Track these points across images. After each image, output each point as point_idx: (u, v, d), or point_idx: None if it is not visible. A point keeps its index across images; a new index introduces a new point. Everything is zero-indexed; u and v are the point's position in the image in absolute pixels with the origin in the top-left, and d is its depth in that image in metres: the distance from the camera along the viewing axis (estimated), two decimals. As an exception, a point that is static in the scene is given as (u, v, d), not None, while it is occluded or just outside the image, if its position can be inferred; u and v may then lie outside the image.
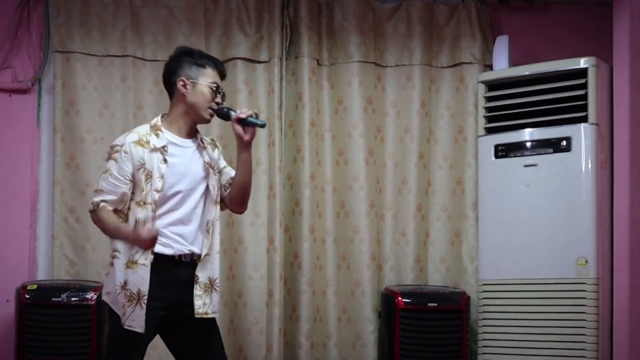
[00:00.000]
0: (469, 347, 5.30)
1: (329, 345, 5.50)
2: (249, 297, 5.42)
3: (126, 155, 3.47)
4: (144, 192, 3.46)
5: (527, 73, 5.34)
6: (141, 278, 3.45)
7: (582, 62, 5.13)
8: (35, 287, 4.93)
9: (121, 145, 3.49)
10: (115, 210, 3.49)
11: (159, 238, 3.42)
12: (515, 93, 5.37)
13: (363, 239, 5.51)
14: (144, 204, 3.46)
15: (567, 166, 5.12)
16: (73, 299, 4.85)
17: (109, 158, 3.51)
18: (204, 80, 3.54)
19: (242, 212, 3.79)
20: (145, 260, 3.45)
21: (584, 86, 5.11)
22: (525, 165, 5.25)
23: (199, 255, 3.55)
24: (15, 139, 5.47)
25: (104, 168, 3.52)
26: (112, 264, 3.51)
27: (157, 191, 3.46)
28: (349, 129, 5.58)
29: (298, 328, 5.45)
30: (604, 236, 5.05)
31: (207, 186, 3.58)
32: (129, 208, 3.50)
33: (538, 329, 5.07)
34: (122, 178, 3.47)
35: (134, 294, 3.44)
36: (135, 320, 3.44)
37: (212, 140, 3.72)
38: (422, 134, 5.66)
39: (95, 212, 3.51)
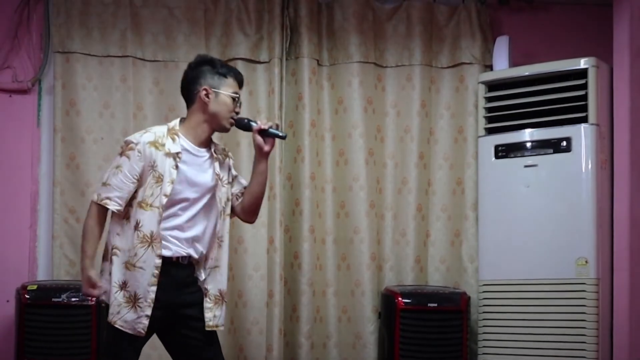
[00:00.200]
0: (469, 347, 5.30)
1: (329, 346, 5.50)
2: (249, 297, 5.42)
3: (139, 154, 3.47)
4: (151, 195, 3.47)
5: (527, 73, 5.34)
6: (138, 281, 3.46)
7: (582, 63, 5.13)
8: (35, 287, 4.94)
9: (136, 144, 3.49)
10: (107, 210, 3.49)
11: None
12: (516, 93, 5.37)
13: (363, 239, 5.51)
14: (149, 206, 3.47)
15: (567, 166, 5.13)
16: (73, 299, 4.85)
17: (122, 154, 3.50)
18: (226, 89, 3.57)
19: (252, 222, 3.81)
20: (143, 263, 3.46)
21: (584, 86, 5.11)
22: (526, 166, 5.25)
23: (196, 259, 3.57)
24: (15, 139, 5.47)
25: (114, 162, 3.51)
26: (110, 261, 3.50)
27: (166, 196, 3.47)
28: (349, 129, 5.58)
29: (298, 328, 5.45)
30: (604, 236, 5.05)
31: (215, 197, 3.59)
32: (130, 206, 3.50)
33: (538, 329, 5.07)
34: (131, 177, 3.47)
35: (132, 296, 3.45)
36: (128, 321, 3.45)
37: (224, 149, 3.73)
38: (422, 134, 5.66)
39: (96, 205, 3.50)
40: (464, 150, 5.62)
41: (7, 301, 5.23)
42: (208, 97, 3.54)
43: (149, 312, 3.45)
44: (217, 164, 3.61)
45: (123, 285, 3.47)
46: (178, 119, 3.62)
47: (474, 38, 5.66)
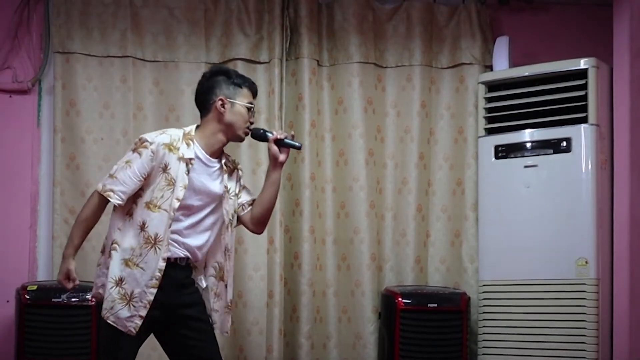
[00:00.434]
0: (469, 347, 5.30)
1: (329, 346, 5.50)
2: (249, 298, 5.42)
3: (152, 154, 3.48)
4: (161, 197, 3.47)
5: (527, 74, 5.34)
6: (136, 281, 3.46)
7: (582, 63, 5.13)
8: (35, 287, 4.94)
9: (151, 143, 3.49)
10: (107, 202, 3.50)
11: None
12: (516, 94, 5.37)
13: (363, 240, 5.51)
14: (157, 207, 3.47)
15: (567, 167, 5.12)
16: (73, 299, 4.85)
17: (135, 150, 3.51)
18: (242, 100, 3.59)
19: (261, 233, 3.83)
20: (145, 264, 3.46)
21: (584, 87, 5.11)
22: (526, 166, 5.25)
23: (194, 263, 3.60)
24: (15, 140, 5.47)
25: (126, 156, 3.52)
26: (109, 255, 3.50)
27: (178, 200, 3.48)
28: (349, 129, 5.58)
29: (298, 328, 5.45)
30: (604, 237, 5.05)
31: (221, 209, 3.60)
32: (134, 203, 3.50)
33: (538, 329, 5.07)
34: (139, 174, 3.48)
35: (127, 294, 3.45)
36: (120, 318, 3.45)
37: (235, 161, 3.73)
38: (422, 135, 5.66)
39: (97, 195, 3.50)
40: (464, 150, 5.62)
41: (7, 301, 5.23)
42: (224, 107, 3.56)
43: (143, 313, 3.45)
44: (225, 175, 3.62)
45: (119, 282, 3.47)
46: (194, 125, 3.63)
47: (474, 38, 5.66)
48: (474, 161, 5.57)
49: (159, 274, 3.46)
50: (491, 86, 5.49)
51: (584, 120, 5.09)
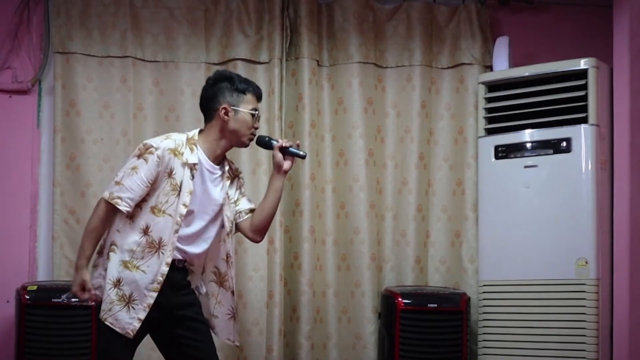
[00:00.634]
0: (469, 348, 5.30)
1: (329, 346, 5.50)
2: (249, 298, 5.42)
3: (158, 160, 3.47)
4: (166, 202, 3.47)
5: (527, 74, 5.34)
6: (136, 283, 3.46)
7: (582, 63, 5.13)
8: (35, 288, 4.94)
9: (156, 148, 3.49)
10: (116, 209, 3.48)
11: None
12: (516, 94, 5.36)
13: (363, 240, 5.51)
14: (162, 212, 3.48)
15: (567, 167, 5.12)
16: (73, 300, 4.84)
17: (140, 156, 3.49)
18: (245, 107, 3.58)
19: (259, 241, 3.82)
20: (147, 267, 3.46)
21: (584, 87, 5.11)
22: (526, 166, 5.25)
23: (191, 267, 3.62)
24: (15, 140, 5.47)
25: (130, 163, 3.50)
26: (107, 257, 3.50)
27: (185, 206, 3.48)
28: (349, 129, 5.58)
29: (298, 329, 5.45)
30: (604, 237, 5.05)
31: (222, 216, 3.60)
32: (139, 207, 3.50)
33: (538, 329, 5.07)
34: (146, 181, 3.47)
35: (125, 295, 3.45)
36: (119, 320, 3.45)
37: (237, 169, 3.74)
38: (422, 135, 5.66)
39: (105, 203, 3.48)
40: (464, 150, 5.62)
41: (7, 302, 5.23)
42: (227, 115, 3.55)
43: (142, 315, 3.46)
44: (227, 182, 3.62)
45: (117, 283, 3.47)
46: (197, 130, 3.62)
47: (474, 39, 5.66)
48: (474, 161, 5.57)
49: (161, 279, 3.47)
50: (491, 86, 5.49)
51: (584, 120, 5.09)
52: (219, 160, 3.61)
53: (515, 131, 5.32)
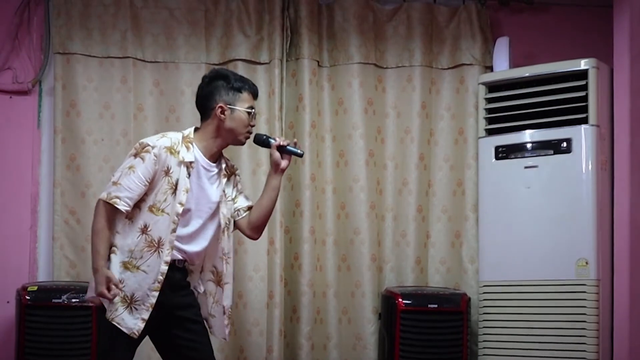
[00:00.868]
0: (470, 348, 5.29)
1: (329, 347, 5.50)
2: (250, 298, 5.42)
3: (155, 158, 3.47)
4: (164, 200, 3.47)
5: (527, 74, 5.34)
6: (137, 284, 3.46)
7: (583, 64, 5.13)
8: (35, 288, 4.94)
9: (153, 147, 3.48)
10: (116, 209, 3.48)
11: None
12: (516, 94, 5.37)
13: (363, 241, 5.51)
14: (161, 211, 3.47)
15: (567, 168, 5.12)
16: (73, 300, 4.85)
17: (137, 155, 3.48)
18: (241, 105, 3.57)
19: (257, 238, 3.81)
20: (147, 267, 3.46)
21: (585, 88, 5.11)
22: (526, 167, 5.25)
23: (191, 267, 3.62)
24: (15, 141, 5.47)
25: (127, 162, 3.49)
26: (108, 259, 3.48)
27: (181, 204, 3.48)
28: (349, 130, 5.58)
29: (298, 329, 5.45)
30: (605, 237, 5.05)
31: (219, 213, 3.60)
32: (136, 207, 3.49)
33: (538, 330, 5.07)
34: (144, 179, 3.46)
35: (127, 296, 3.45)
36: (124, 320, 3.45)
37: (233, 166, 3.73)
38: (422, 136, 5.66)
39: (104, 204, 3.47)
40: (464, 151, 5.62)
41: (8, 302, 5.23)
42: (224, 114, 3.54)
43: (146, 315, 3.46)
44: (224, 180, 3.62)
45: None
46: (192, 128, 3.62)
47: (474, 39, 5.66)
48: (474, 162, 5.57)
49: (162, 278, 3.47)
50: (491, 87, 5.49)
51: (584, 121, 5.09)
52: (216, 158, 3.61)
53: (516, 132, 5.32)
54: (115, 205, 3.44)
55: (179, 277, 3.58)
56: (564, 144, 5.14)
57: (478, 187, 5.50)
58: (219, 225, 3.61)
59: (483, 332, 5.31)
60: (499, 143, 5.36)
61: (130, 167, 3.47)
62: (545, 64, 5.31)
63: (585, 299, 4.98)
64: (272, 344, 5.33)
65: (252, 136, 3.67)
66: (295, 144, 3.69)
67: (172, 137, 3.54)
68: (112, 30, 5.46)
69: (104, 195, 3.47)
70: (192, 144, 3.54)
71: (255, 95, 3.63)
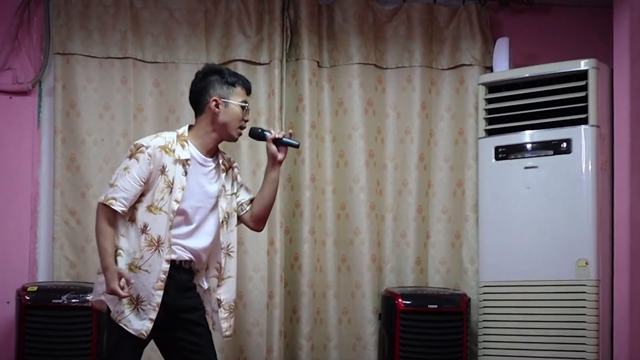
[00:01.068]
0: (470, 348, 5.30)
1: (329, 347, 5.50)
2: (250, 299, 5.42)
3: (149, 158, 3.48)
4: (161, 199, 3.48)
5: (527, 75, 5.34)
6: (142, 284, 3.47)
7: (583, 64, 5.13)
8: (35, 288, 4.94)
9: (147, 147, 3.50)
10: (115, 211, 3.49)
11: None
12: (516, 95, 5.37)
13: (363, 241, 5.51)
14: (158, 210, 3.48)
15: (567, 168, 5.13)
16: (73, 300, 4.85)
17: (132, 156, 3.51)
18: (235, 99, 3.59)
19: (260, 230, 3.83)
20: (149, 266, 3.47)
21: (585, 88, 5.11)
22: (526, 167, 5.25)
23: (197, 266, 3.61)
24: (15, 141, 5.47)
25: (123, 164, 3.52)
26: (115, 262, 3.48)
27: (177, 202, 3.49)
28: (349, 130, 5.58)
29: (298, 330, 5.45)
30: (604, 238, 5.05)
31: (218, 208, 3.60)
32: (135, 208, 3.50)
33: (538, 330, 5.07)
34: (139, 179, 3.48)
35: (133, 298, 3.46)
36: (131, 322, 3.46)
37: (230, 159, 3.73)
38: (422, 136, 5.66)
39: (103, 206, 3.48)
40: (464, 151, 5.62)
41: (8, 302, 5.23)
42: (218, 107, 3.56)
43: (153, 315, 3.46)
44: (222, 175, 3.62)
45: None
46: (187, 126, 3.64)
47: (474, 39, 5.66)
48: (474, 162, 5.57)
49: (164, 276, 3.47)
50: (491, 87, 5.49)
51: (584, 121, 5.09)
52: (212, 153, 3.62)
53: (516, 132, 5.32)
54: (112, 206, 3.46)
55: (185, 278, 3.57)
56: (564, 145, 5.14)
57: (478, 187, 5.50)
58: (220, 220, 3.62)
59: (483, 332, 5.31)
60: (499, 143, 5.36)
61: (125, 169, 3.49)
62: (545, 65, 5.31)
63: (585, 299, 4.98)
64: (272, 344, 5.33)
65: (247, 130, 3.69)
66: (290, 135, 3.70)
67: (167, 137, 3.56)
68: (112, 30, 5.46)
69: (101, 198, 3.50)
70: (187, 142, 3.56)
71: (248, 90, 3.65)
